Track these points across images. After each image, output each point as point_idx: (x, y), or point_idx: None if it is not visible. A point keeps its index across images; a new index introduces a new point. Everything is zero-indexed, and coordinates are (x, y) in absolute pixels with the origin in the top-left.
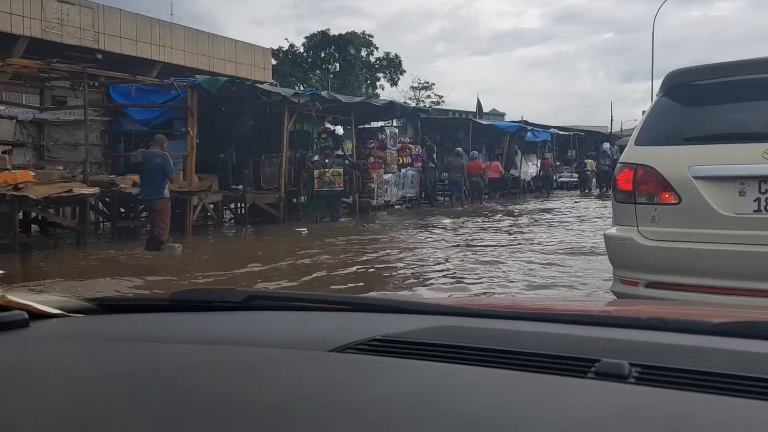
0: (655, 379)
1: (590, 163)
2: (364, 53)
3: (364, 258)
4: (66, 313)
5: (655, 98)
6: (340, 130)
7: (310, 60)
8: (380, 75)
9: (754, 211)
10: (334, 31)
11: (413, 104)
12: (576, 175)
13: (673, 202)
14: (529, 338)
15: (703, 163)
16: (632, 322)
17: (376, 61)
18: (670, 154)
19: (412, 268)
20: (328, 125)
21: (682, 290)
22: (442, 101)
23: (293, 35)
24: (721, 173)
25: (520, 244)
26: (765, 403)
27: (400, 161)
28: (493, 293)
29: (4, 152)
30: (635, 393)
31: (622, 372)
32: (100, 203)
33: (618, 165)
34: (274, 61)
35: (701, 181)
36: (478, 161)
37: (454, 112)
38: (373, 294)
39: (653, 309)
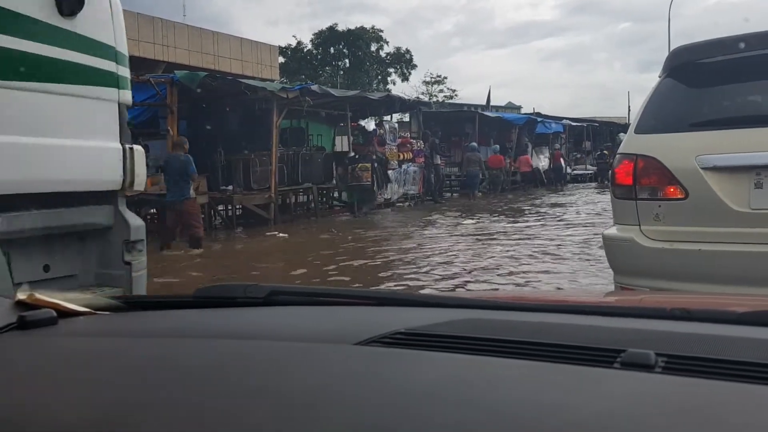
0: (682, 368)
1: (607, 155)
2: (374, 48)
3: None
4: (93, 311)
5: (657, 80)
6: (371, 125)
7: (319, 57)
8: (391, 70)
9: None
10: (343, 27)
11: (426, 99)
12: (590, 168)
13: (679, 197)
14: (553, 329)
15: (712, 151)
16: (657, 313)
17: (386, 56)
18: (674, 142)
19: None
20: (361, 122)
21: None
22: (455, 95)
23: (308, 34)
24: (733, 162)
25: None
26: None
27: (401, 157)
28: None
29: None
30: (662, 382)
31: (649, 361)
32: None
33: (617, 156)
34: (282, 59)
35: (711, 172)
36: (500, 155)
37: (468, 106)
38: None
39: (678, 299)
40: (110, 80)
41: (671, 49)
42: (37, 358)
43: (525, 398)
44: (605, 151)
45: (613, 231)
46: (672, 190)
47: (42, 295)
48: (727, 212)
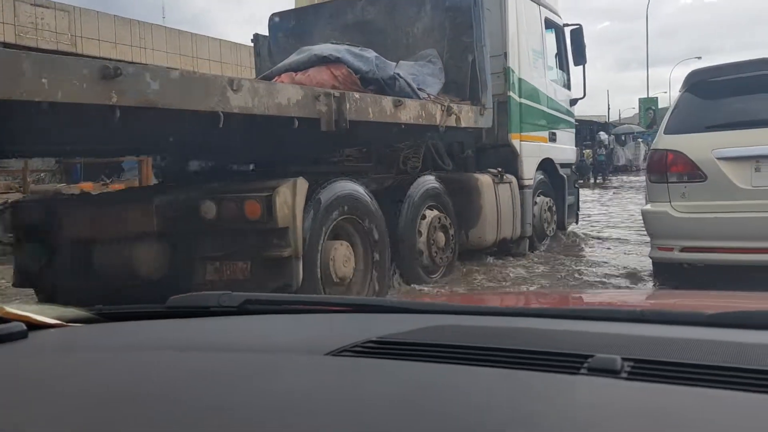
0: (648, 374)
1: (587, 153)
2: None
3: None
4: (64, 323)
5: (678, 94)
6: None
7: None
8: None
9: None
10: None
11: None
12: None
13: (699, 180)
14: (523, 335)
15: (724, 146)
16: (628, 316)
17: None
18: (695, 140)
19: None
20: None
21: (710, 252)
22: None
23: None
24: (739, 154)
25: None
26: (758, 395)
27: None
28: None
29: None
30: (627, 388)
31: (615, 367)
32: None
33: (651, 151)
34: None
35: (723, 162)
36: None
37: None
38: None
39: (649, 301)
40: (571, 124)
41: (690, 71)
42: (6, 374)
43: (490, 408)
44: (583, 151)
45: (649, 207)
46: (694, 174)
47: (12, 308)
48: (735, 189)
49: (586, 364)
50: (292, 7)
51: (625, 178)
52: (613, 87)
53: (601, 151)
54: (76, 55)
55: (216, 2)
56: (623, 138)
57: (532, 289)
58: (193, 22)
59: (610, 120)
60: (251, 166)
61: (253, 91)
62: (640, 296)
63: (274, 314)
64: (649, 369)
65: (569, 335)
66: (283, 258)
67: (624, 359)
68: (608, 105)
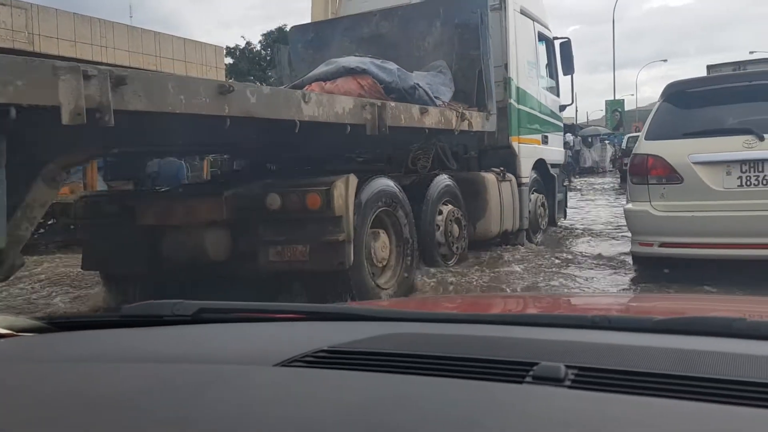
0: (591, 382)
1: None
2: None
3: None
4: (15, 333)
5: (657, 103)
6: None
7: (268, 58)
8: None
9: (738, 186)
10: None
11: None
12: None
13: (677, 182)
14: (475, 343)
15: (699, 152)
16: (578, 322)
17: None
18: (673, 146)
19: None
20: None
21: (686, 247)
22: None
23: (260, 36)
24: (713, 159)
25: None
26: (701, 404)
27: None
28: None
29: None
30: (569, 397)
31: (559, 375)
32: None
33: (633, 155)
34: (230, 60)
35: (698, 166)
36: None
37: None
38: None
39: (611, 306)
40: (560, 128)
41: (668, 83)
42: None
43: (438, 419)
44: None
45: (630, 206)
46: (672, 177)
47: None
48: (709, 191)
49: (531, 372)
50: (258, 10)
51: (592, 179)
52: (581, 89)
53: (568, 152)
54: (34, 54)
55: (186, 4)
56: (590, 140)
57: (524, 279)
58: (163, 23)
59: (578, 122)
60: (273, 166)
61: (319, 102)
62: (607, 300)
63: (228, 323)
64: (592, 377)
65: (519, 342)
66: (339, 242)
67: (568, 367)
68: (576, 107)
